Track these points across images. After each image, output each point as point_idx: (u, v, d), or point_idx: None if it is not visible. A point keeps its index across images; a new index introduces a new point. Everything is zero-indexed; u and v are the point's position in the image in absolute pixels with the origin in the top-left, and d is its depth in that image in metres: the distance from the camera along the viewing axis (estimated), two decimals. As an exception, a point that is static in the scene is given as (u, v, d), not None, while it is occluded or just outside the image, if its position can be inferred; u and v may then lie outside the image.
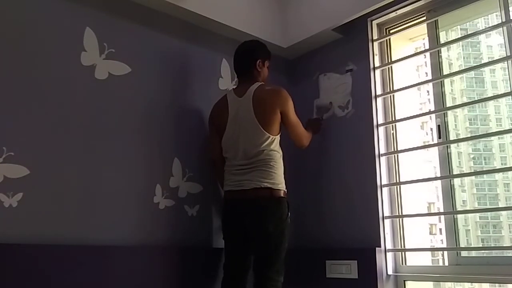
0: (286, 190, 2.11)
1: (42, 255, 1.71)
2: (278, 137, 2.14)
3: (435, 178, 2.28)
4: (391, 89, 2.51)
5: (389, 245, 2.31)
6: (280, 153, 2.14)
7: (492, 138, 2.44)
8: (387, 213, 2.34)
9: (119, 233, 1.97)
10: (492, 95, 2.32)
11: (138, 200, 2.07)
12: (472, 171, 2.55)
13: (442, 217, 2.26)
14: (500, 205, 2.49)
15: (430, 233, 2.72)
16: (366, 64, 2.50)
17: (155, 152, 2.17)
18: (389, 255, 2.30)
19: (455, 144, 2.32)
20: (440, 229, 2.48)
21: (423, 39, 2.53)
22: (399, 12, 2.43)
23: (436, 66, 2.31)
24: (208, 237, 2.30)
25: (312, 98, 2.74)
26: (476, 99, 2.37)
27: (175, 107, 2.29)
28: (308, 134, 2.36)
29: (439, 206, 2.29)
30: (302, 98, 2.66)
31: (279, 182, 2.08)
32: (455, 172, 2.23)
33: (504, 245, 2.39)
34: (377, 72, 2.51)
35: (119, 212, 1.99)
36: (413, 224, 2.38)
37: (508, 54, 2.02)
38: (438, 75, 2.29)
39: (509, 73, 2.01)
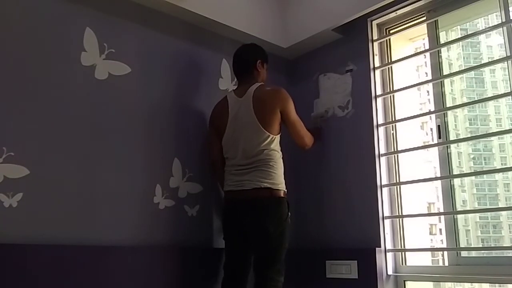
0: (286, 190, 2.11)
1: (42, 255, 1.70)
2: (278, 137, 2.14)
3: (435, 178, 2.28)
4: (391, 89, 2.51)
5: (389, 245, 2.31)
6: (280, 153, 2.14)
7: (492, 138, 2.44)
8: (387, 213, 2.34)
9: (119, 233, 1.97)
10: (492, 95, 2.32)
11: (138, 200, 2.07)
12: (472, 171, 2.54)
13: (442, 217, 2.26)
14: (500, 205, 2.49)
15: (430, 233, 2.71)
16: (366, 64, 2.50)
17: (155, 152, 2.17)
18: (389, 255, 2.30)
19: (455, 144, 2.32)
20: (440, 229, 2.48)
21: (423, 39, 2.53)
22: (399, 12, 2.43)
23: (436, 66, 2.31)
24: (208, 237, 2.29)
25: (312, 98, 2.74)
26: (476, 99, 2.38)
27: (175, 107, 2.29)
28: (310, 134, 2.35)
29: (439, 206, 2.29)
30: (302, 98, 2.65)
31: (279, 182, 2.08)
32: (455, 172, 2.23)
33: (504, 245, 2.39)
34: (377, 72, 2.51)
35: (119, 212, 1.99)
36: (413, 224, 2.38)
37: (508, 54, 2.02)
38: (438, 75, 2.29)
39: (509, 73, 2.01)
